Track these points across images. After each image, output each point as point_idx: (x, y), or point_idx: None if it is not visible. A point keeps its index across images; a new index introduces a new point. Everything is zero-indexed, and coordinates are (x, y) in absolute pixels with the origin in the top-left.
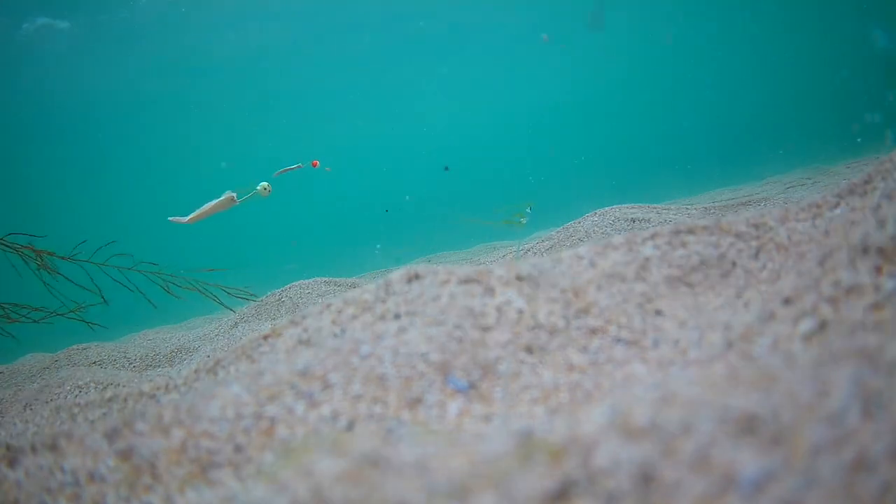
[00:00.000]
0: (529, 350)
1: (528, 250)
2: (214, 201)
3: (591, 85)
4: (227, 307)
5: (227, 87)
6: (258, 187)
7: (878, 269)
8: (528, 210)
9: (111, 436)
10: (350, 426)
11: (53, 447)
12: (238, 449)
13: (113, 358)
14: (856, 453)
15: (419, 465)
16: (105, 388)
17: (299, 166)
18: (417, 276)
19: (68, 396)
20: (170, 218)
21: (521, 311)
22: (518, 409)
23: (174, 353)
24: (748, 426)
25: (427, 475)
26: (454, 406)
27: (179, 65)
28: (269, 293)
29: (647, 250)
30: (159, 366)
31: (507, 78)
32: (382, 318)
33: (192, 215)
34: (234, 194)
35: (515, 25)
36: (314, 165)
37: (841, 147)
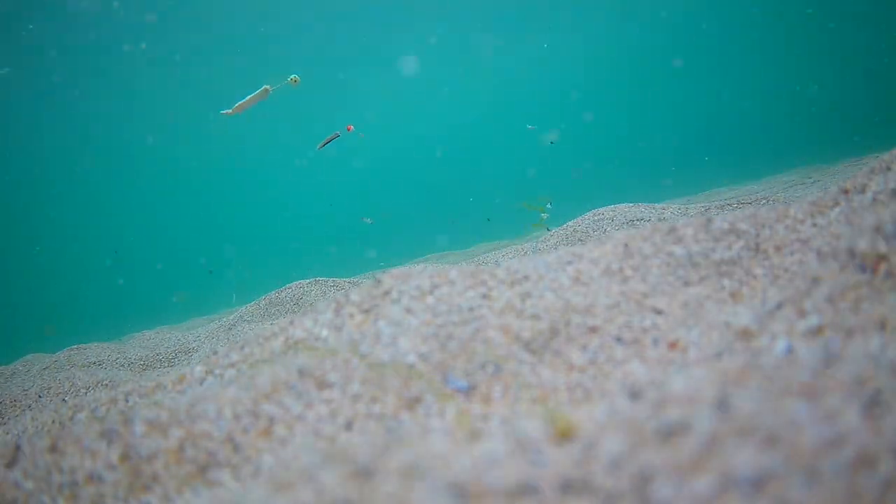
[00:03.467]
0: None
1: (527, 251)
2: (253, 94)
3: (589, 84)
4: None
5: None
6: (289, 79)
7: (875, 268)
8: (548, 205)
9: (110, 436)
10: (348, 426)
11: (53, 448)
12: (236, 449)
13: (113, 358)
14: (856, 451)
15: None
16: (105, 388)
17: (337, 135)
18: (414, 276)
19: (69, 397)
20: (221, 111)
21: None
22: (518, 407)
23: (174, 354)
24: (748, 425)
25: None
26: (451, 405)
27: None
28: (270, 293)
29: (646, 248)
30: (159, 366)
31: (505, 76)
32: (379, 316)
33: (235, 106)
34: (269, 86)
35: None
36: (349, 130)
37: (840, 146)
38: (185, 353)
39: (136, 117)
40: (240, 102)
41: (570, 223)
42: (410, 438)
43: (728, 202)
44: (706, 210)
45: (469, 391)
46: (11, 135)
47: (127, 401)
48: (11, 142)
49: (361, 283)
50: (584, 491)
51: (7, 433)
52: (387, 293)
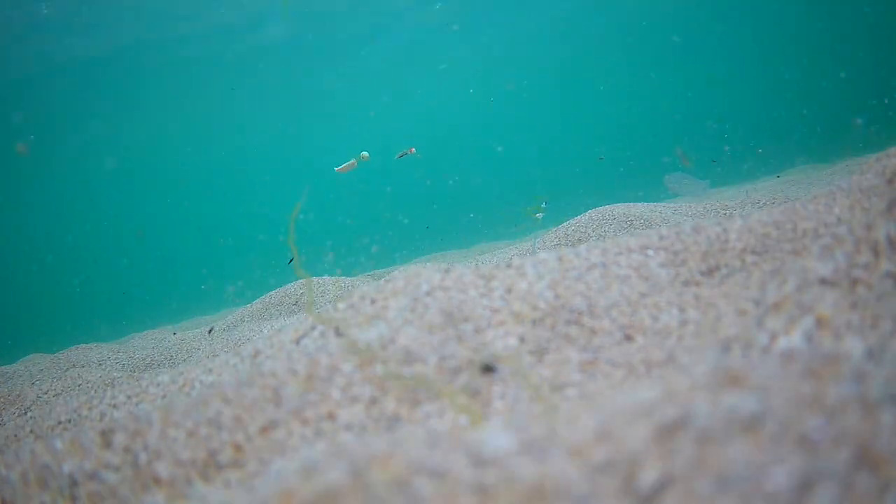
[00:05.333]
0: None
1: (526, 252)
2: (351, 160)
3: (587, 83)
4: None
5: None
6: (361, 154)
7: (875, 264)
8: (543, 205)
9: (108, 436)
10: (349, 427)
11: (51, 449)
12: (237, 449)
13: (114, 358)
14: (856, 447)
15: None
16: (105, 388)
17: (413, 150)
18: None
19: (69, 398)
20: (335, 168)
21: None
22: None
23: (174, 354)
24: (748, 424)
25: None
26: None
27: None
28: (270, 292)
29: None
30: (159, 366)
31: (506, 73)
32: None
33: (341, 166)
34: (365, 154)
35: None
36: (411, 152)
37: (839, 146)
38: (186, 353)
39: (139, 117)
40: (343, 165)
41: (568, 222)
42: None
43: (729, 201)
44: (706, 210)
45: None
46: (11, 131)
47: (130, 399)
48: (10, 140)
49: (360, 283)
50: None
51: (5, 437)
52: (393, 290)
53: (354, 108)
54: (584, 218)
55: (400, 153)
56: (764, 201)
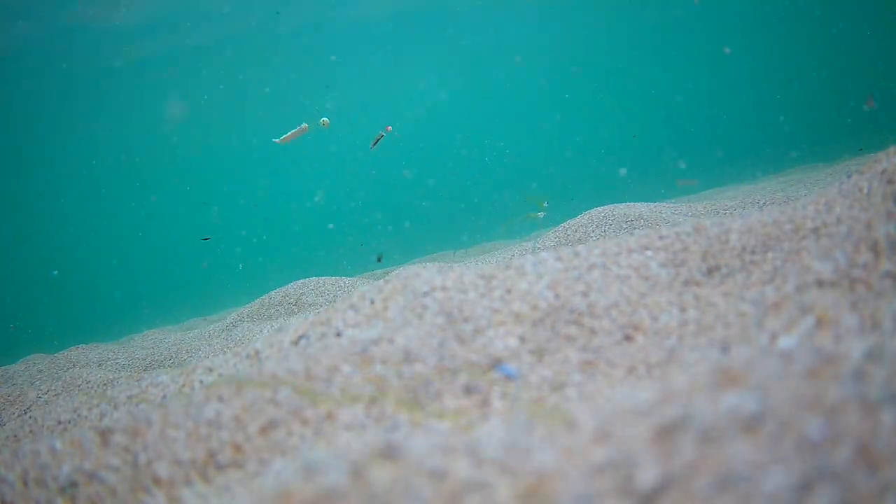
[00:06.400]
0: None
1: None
2: (294, 129)
3: (588, 82)
4: None
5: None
6: (321, 121)
7: (876, 262)
8: (544, 205)
9: (107, 436)
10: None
11: (50, 449)
12: (237, 449)
13: (113, 358)
14: (856, 447)
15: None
16: (105, 388)
17: (389, 128)
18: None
19: (70, 399)
20: (273, 139)
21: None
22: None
23: (174, 354)
24: (748, 424)
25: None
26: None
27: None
28: (269, 293)
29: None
30: (159, 366)
31: (509, 72)
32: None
33: (282, 137)
34: (306, 125)
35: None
36: (388, 130)
37: (839, 146)
38: (186, 353)
39: (138, 114)
40: (284, 136)
41: (568, 222)
42: None
43: (729, 201)
44: (706, 210)
45: (519, 379)
46: (12, 132)
47: (130, 401)
48: (12, 139)
49: (361, 283)
50: None
51: (6, 438)
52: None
53: (352, 106)
54: (584, 218)
55: (373, 141)
56: (764, 201)
